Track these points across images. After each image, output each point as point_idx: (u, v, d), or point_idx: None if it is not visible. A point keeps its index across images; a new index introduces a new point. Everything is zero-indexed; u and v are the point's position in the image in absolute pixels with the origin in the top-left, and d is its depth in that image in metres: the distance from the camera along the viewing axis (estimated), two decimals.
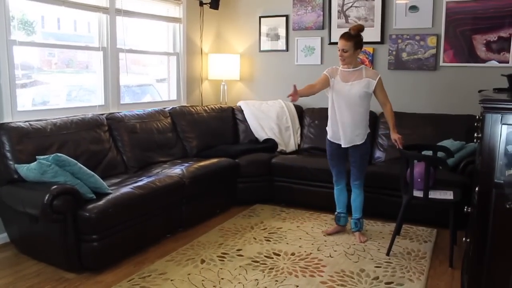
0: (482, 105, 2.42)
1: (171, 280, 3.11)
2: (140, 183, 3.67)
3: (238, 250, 3.64)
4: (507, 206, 2.05)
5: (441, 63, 4.93)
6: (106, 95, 4.63)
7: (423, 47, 4.98)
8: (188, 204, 4.08)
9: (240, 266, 3.34)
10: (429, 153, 3.89)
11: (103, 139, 4.14)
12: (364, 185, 3.91)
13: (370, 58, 5.26)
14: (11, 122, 3.57)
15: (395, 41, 5.11)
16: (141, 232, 3.58)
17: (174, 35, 5.54)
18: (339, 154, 3.90)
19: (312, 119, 5.38)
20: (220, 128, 5.38)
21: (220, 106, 5.63)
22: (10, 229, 3.58)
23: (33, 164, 3.27)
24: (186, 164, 4.36)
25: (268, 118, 5.42)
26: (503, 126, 2.30)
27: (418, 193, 3.47)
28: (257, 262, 3.42)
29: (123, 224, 3.38)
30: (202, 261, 3.42)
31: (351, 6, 5.30)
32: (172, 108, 5.13)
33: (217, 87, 6.15)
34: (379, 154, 4.87)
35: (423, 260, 3.48)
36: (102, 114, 4.33)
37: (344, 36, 3.69)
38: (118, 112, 4.50)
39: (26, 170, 3.29)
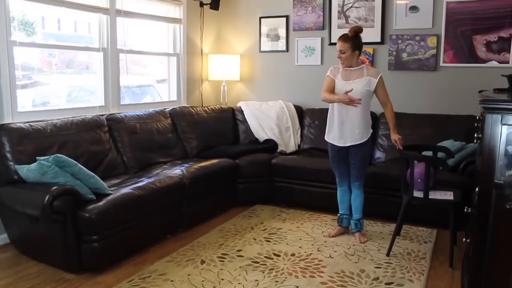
0: (482, 105, 2.42)
1: (171, 281, 3.11)
2: (140, 184, 3.67)
3: (238, 250, 3.64)
4: (507, 207, 2.05)
5: (441, 64, 4.93)
6: (106, 96, 4.63)
7: (423, 48, 4.98)
8: (188, 205, 4.08)
9: (240, 267, 3.34)
10: (429, 153, 3.89)
11: (103, 140, 4.14)
12: (364, 186, 3.91)
13: (370, 58, 5.26)
14: (11, 123, 3.57)
15: (395, 41, 5.11)
16: (141, 232, 3.58)
17: (174, 35, 5.54)
18: (340, 156, 3.89)
19: (312, 119, 5.38)
20: (220, 128, 5.38)
21: (220, 107, 5.63)
22: (10, 230, 3.59)
23: (33, 165, 3.27)
24: (186, 165, 4.36)
25: (268, 118, 5.42)
26: (503, 126, 2.30)
27: (418, 194, 3.47)
28: (257, 262, 3.42)
29: (123, 225, 3.38)
30: (202, 262, 3.42)
31: (351, 7, 5.30)
32: (172, 108, 5.13)
33: (217, 88, 6.15)
34: (379, 154, 4.87)
35: (423, 260, 3.48)
36: (102, 115, 4.33)
37: (342, 37, 3.71)
38: (118, 113, 4.50)
39: (26, 171, 3.29)
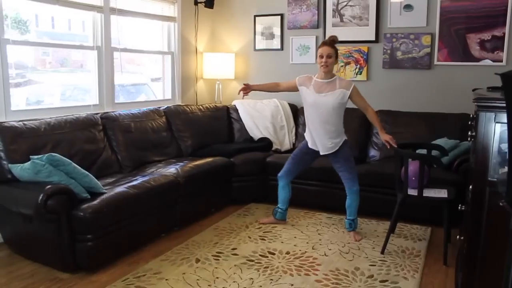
0: (476, 103, 2.43)
1: (166, 280, 3.11)
2: (134, 183, 3.66)
3: (233, 249, 3.64)
4: (501, 204, 2.05)
5: (436, 62, 4.95)
6: (101, 94, 4.61)
7: (417, 46, 4.99)
8: (183, 204, 4.07)
9: (235, 265, 3.34)
10: (424, 151, 3.89)
11: (98, 139, 4.13)
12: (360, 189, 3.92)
13: (364, 57, 5.27)
14: (4, 122, 3.55)
15: (390, 40, 5.12)
16: (135, 231, 3.58)
17: (168, 34, 5.53)
18: (304, 158, 4.04)
19: None
20: (215, 127, 5.37)
21: (215, 105, 5.62)
22: (4, 229, 3.57)
23: (27, 164, 3.25)
24: (181, 164, 4.35)
25: (263, 117, 5.42)
26: (496, 124, 2.32)
27: (412, 192, 3.48)
28: (252, 261, 3.43)
29: (118, 224, 3.37)
30: (197, 260, 3.42)
31: (346, 5, 5.31)
32: (167, 107, 5.12)
33: (212, 86, 6.14)
34: (373, 152, 4.88)
35: (418, 258, 3.50)
36: (97, 114, 4.32)
37: (328, 43, 3.81)
38: (112, 112, 4.49)
39: (20, 169, 3.28)
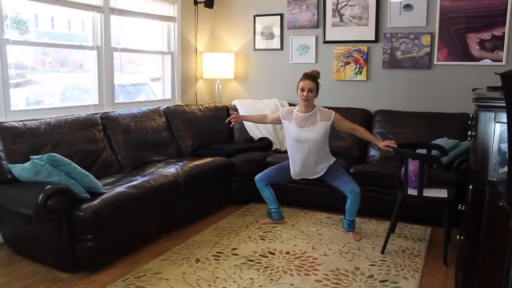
0: (476, 103, 2.43)
1: (166, 280, 3.11)
2: (134, 183, 3.66)
3: (233, 249, 3.64)
4: (501, 204, 2.05)
5: (435, 62, 4.95)
6: (101, 95, 4.61)
7: (417, 46, 4.99)
8: (183, 203, 4.07)
9: (235, 265, 3.34)
10: (424, 151, 3.89)
11: (98, 139, 4.13)
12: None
13: (364, 56, 5.27)
14: (4, 122, 3.54)
15: (390, 39, 5.12)
16: (135, 231, 3.58)
17: (168, 34, 5.53)
18: (284, 176, 4.13)
19: None
20: (215, 127, 5.37)
21: (215, 105, 5.62)
22: (4, 229, 3.57)
23: (27, 164, 3.25)
24: (181, 163, 4.35)
25: None
26: (496, 124, 2.31)
27: (412, 192, 3.48)
28: (252, 261, 3.43)
29: (118, 224, 3.37)
30: (197, 260, 3.42)
31: (345, 5, 5.31)
32: (167, 107, 5.12)
33: (211, 86, 6.14)
34: (373, 152, 4.88)
35: (418, 258, 3.50)
36: (97, 114, 4.32)
37: (310, 77, 3.89)
38: (112, 112, 4.49)
39: (20, 170, 3.28)
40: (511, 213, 1.66)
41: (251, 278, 3.14)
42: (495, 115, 2.31)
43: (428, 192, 3.49)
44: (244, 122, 5.43)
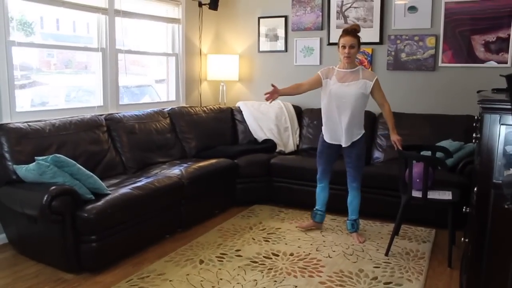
0: (480, 105, 2.42)
1: (170, 281, 3.11)
2: (139, 184, 3.66)
3: (237, 250, 3.64)
4: (506, 206, 2.05)
5: (440, 64, 4.94)
6: (105, 96, 4.62)
7: (422, 48, 4.98)
8: (187, 205, 4.08)
9: (239, 267, 3.34)
10: (428, 153, 3.89)
11: (102, 140, 4.14)
12: (361, 187, 3.91)
13: (369, 58, 5.26)
14: (10, 123, 3.56)
15: (394, 41, 5.11)
16: (139, 232, 3.58)
17: (173, 35, 5.54)
18: (329, 153, 3.93)
19: (311, 119, 5.38)
20: (219, 128, 5.38)
21: (219, 107, 5.63)
22: (9, 230, 3.58)
23: (32, 165, 3.26)
24: (185, 165, 4.35)
25: (267, 118, 5.42)
26: (501, 126, 2.31)
27: (416, 194, 3.48)
28: (256, 262, 3.42)
29: (122, 225, 3.38)
30: (201, 262, 3.42)
31: (350, 7, 5.31)
32: (171, 108, 5.13)
33: (216, 88, 6.15)
34: (377, 154, 4.87)
35: (422, 260, 3.49)
36: (101, 115, 4.33)
37: (351, 32, 3.68)
38: (117, 113, 4.50)
39: (25, 171, 3.29)
40: None
41: (255, 280, 3.14)
42: (500, 117, 2.31)
43: (433, 194, 3.48)
44: (248, 123, 5.45)
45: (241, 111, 5.59)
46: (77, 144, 3.87)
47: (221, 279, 3.15)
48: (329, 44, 5.47)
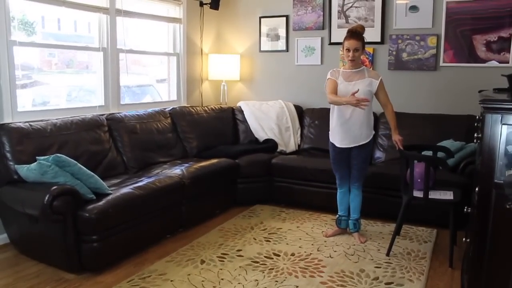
0: (482, 105, 2.42)
1: (171, 281, 3.11)
2: (140, 184, 3.67)
3: (238, 250, 3.64)
4: (507, 206, 2.05)
5: (441, 63, 4.93)
6: (106, 96, 4.62)
7: (423, 47, 4.97)
8: (188, 205, 4.08)
9: (240, 267, 3.34)
10: (429, 153, 3.88)
11: (103, 140, 4.14)
12: (363, 186, 3.91)
13: (370, 58, 5.26)
14: (11, 123, 3.57)
15: (395, 41, 5.10)
16: (141, 232, 3.58)
17: (174, 35, 5.54)
18: (342, 158, 3.87)
19: (312, 119, 5.38)
20: (220, 128, 5.38)
21: (220, 107, 5.63)
22: (10, 230, 3.58)
23: (33, 165, 3.27)
24: (186, 165, 4.36)
25: (268, 118, 5.42)
26: (503, 126, 2.30)
27: (418, 194, 3.47)
28: (257, 262, 3.42)
29: (123, 225, 3.38)
30: (202, 262, 3.42)
31: (351, 6, 5.30)
32: (172, 108, 5.13)
33: (217, 88, 6.14)
34: (379, 154, 4.87)
35: (423, 260, 3.48)
36: (102, 115, 4.33)
37: (355, 35, 3.65)
38: (118, 113, 4.50)
39: (26, 170, 3.29)
40: None
41: (256, 280, 3.14)
42: (501, 117, 2.30)
43: (434, 194, 3.48)
44: (249, 123, 5.46)
45: (242, 111, 5.59)
46: (78, 143, 3.87)
47: (222, 279, 3.15)
48: (330, 43, 5.46)
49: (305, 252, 3.64)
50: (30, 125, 3.64)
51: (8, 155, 3.42)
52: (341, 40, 5.33)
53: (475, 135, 2.81)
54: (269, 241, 3.84)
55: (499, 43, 4.63)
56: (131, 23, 4.95)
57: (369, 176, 4.17)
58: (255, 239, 3.88)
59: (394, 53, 5.13)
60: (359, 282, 3.12)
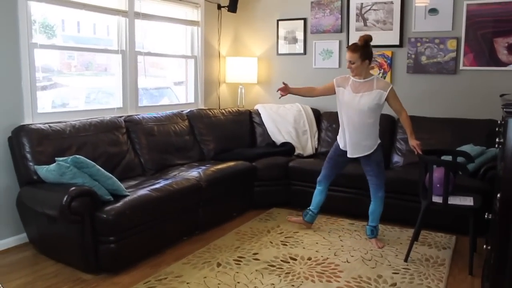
0: (504, 109, 2.37)
1: (187, 283, 3.11)
2: (157, 186, 3.68)
3: (255, 254, 3.63)
4: None
5: (461, 67, 4.86)
6: (125, 98, 4.66)
7: (442, 51, 4.91)
8: (205, 207, 4.08)
9: (256, 270, 3.33)
10: (449, 158, 3.82)
11: (121, 142, 4.17)
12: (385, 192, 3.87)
13: (388, 61, 5.21)
14: (31, 124, 3.62)
15: (414, 44, 5.05)
16: (157, 234, 3.59)
17: (192, 38, 5.57)
18: (339, 161, 3.98)
19: (329, 122, 5.35)
20: (237, 131, 5.38)
21: (238, 109, 5.63)
22: (29, 229, 3.63)
23: (52, 166, 3.30)
24: (203, 167, 4.36)
25: (285, 121, 5.40)
26: None
27: (437, 199, 3.42)
28: (274, 266, 3.41)
29: (140, 226, 3.39)
30: (218, 265, 3.42)
31: (369, 9, 5.26)
32: (190, 111, 5.15)
33: (234, 90, 6.15)
34: (397, 158, 4.81)
35: (442, 267, 3.43)
36: (120, 117, 4.37)
37: (351, 47, 3.73)
38: (136, 115, 4.54)
39: (46, 171, 3.33)
40: None
41: (272, 284, 3.12)
42: None
43: (453, 200, 3.43)
44: (266, 126, 5.44)
45: (260, 114, 5.58)
46: (97, 145, 3.90)
47: (238, 282, 3.14)
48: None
49: (321, 256, 3.61)
50: (50, 126, 3.68)
51: (28, 155, 3.46)
52: None
53: (497, 140, 2.76)
54: (286, 245, 3.82)
55: None
56: (150, 25, 4.99)
57: (387, 180, 4.12)
58: (272, 243, 3.86)
59: (413, 56, 5.08)
60: None
